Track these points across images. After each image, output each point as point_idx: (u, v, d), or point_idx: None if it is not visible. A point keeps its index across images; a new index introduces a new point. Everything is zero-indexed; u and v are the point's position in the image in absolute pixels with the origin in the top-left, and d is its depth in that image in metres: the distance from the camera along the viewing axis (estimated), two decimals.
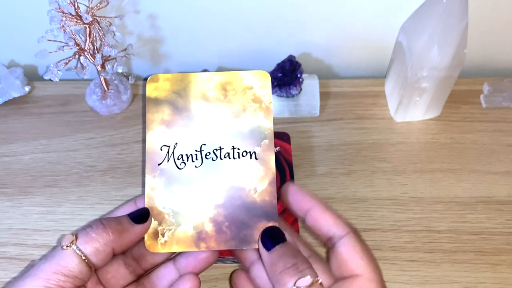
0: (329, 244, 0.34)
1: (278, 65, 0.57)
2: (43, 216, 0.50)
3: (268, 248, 0.33)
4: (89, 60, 0.51)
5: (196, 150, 0.37)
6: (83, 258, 0.31)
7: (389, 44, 0.58)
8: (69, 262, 0.31)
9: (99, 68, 0.53)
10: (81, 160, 0.54)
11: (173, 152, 0.37)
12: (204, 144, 0.37)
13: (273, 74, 0.57)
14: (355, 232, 0.33)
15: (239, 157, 0.36)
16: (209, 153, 0.36)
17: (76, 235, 0.32)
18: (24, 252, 0.47)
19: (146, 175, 0.36)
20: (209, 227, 0.35)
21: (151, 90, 0.38)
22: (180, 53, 0.62)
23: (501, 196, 0.51)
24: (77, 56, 0.51)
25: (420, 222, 0.49)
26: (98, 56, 0.51)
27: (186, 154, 0.36)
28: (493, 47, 0.61)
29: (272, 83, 0.57)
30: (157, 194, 0.36)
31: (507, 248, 0.47)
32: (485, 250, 0.47)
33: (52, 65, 0.50)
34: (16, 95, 0.58)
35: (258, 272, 0.35)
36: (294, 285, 0.30)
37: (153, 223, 0.36)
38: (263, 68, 0.61)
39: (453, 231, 0.49)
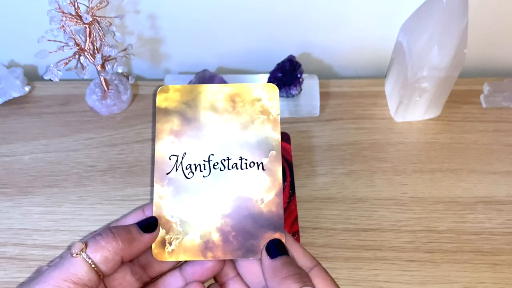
0: None
1: (278, 65, 0.57)
2: (43, 216, 0.50)
3: (272, 255, 0.34)
4: (89, 60, 0.51)
5: (204, 160, 0.37)
6: (93, 266, 0.32)
7: (389, 44, 0.58)
8: (78, 270, 0.31)
9: (99, 68, 0.53)
10: (81, 160, 0.54)
11: (181, 162, 0.37)
12: (212, 155, 0.37)
13: (273, 74, 0.57)
14: (321, 266, 0.34)
15: (246, 168, 0.37)
16: (217, 163, 0.37)
17: (86, 243, 0.32)
18: (24, 252, 0.47)
19: (155, 184, 0.37)
20: (216, 237, 0.35)
21: (161, 100, 0.38)
22: (180, 53, 0.62)
23: (501, 196, 0.51)
24: (77, 56, 0.51)
25: (420, 222, 0.49)
26: (98, 56, 0.51)
27: (195, 164, 0.37)
28: (493, 47, 0.61)
29: (272, 83, 0.57)
30: (165, 203, 0.36)
31: (507, 248, 0.47)
32: (485, 250, 0.47)
33: (52, 65, 0.50)
34: (16, 95, 0.58)
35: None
36: None
37: (161, 232, 0.36)
38: (263, 68, 0.61)
39: (453, 231, 0.49)
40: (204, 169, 0.37)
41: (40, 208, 0.50)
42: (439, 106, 0.56)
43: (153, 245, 0.36)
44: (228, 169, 0.37)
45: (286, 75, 0.56)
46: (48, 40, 0.49)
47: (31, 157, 0.54)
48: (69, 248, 0.32)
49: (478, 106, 0.58)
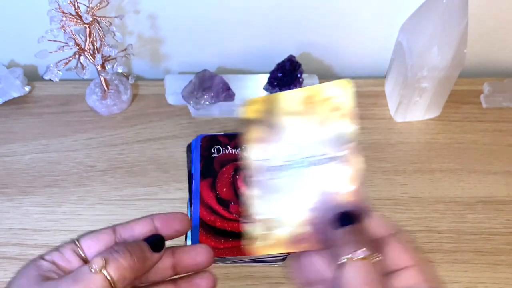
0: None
1: (278, 65, 0.57)
2: (43, 216, 0.50)
3: (342, 224, 0.33)
4: (89, 60, 0.51)
5: (288, 161, 0.39)
6: (111, 284, 0.32)
7: (389, 44, 0.58)
8: (98, 287, 0.31)
9: (99, 68, 0.53)
10: (81, 160, 0.54)
11: (268, 165, 0.40)
12: (296, 154, 0.39)
13: (273, 74, 0.57)
14: (402, 231, 0.34)
15: (327, 163, 0.39)
16: (300, 161, 0.39)
17: (106, 259, 0.32)
18: (24, 252, 0.47)
19: (246, 188, 0.39)
20: (303, 230, 0.38)
21: (249, 112, 0.41)
22: (180, 53, 0.62)
23: (501, 196, 0.51)
24: (77, 56, 0.51)
25: (420, 222, 0.49)
26: (98, 56, 0.51)
27: (280, 165, 0.39)
28: (493, 47, 0.61)
29: (272, 83, 0.57)
30: (255, 203, 0.39)
31: (507, 248, 0.47)
32: (485, 250, 0.47)
33: (52, 65, 0.50)
34: (16, 95, 0.58)
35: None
36: (351, 253, 0.31)
37: (253, 229, 0.38)
38: (263, 68, 0.61)
39: (453, 231, 0.49)
40: (289, 169, 0.39)
41: (40, 208, 0.50)
42: (439, 106, 0.56)
43: (245, 241, 0.38)
44: (311, 166, 0.39)
45: (286, 75, 0.56)
46: (48, 40, 0.49)
47: (31, 157, 0.54)
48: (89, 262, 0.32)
49: (478, 106, 0.58)
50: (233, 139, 0.52)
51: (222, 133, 0.54)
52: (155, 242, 0.36)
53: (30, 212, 0.50)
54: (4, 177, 0.52)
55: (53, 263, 0.35)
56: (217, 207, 0.48)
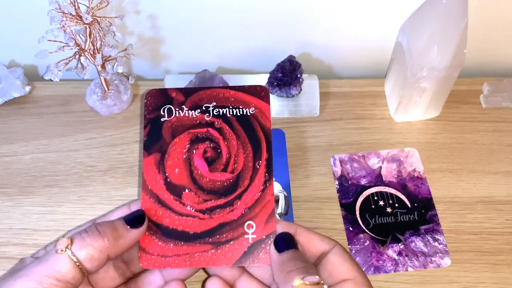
0: (319, 259, 0.35)
1: (278, 65, 0.57)
2: (44, 216, 0.50)
3: (280, 249, 0.34)
4: (89, 60, 0.51)
5: None
6: (77, 263, 0.31)
7: (389, 44, 0.58)
8: (62, 267, 0.31)
9: (100, 68, 0.53)
10: (81, 160, 0.54)
11: None
12: None
13: (273, 74, 0.57)
14: (341, 245, 0.35)
15: None
16: None
17: (71, 239, 0.32)
18: (24, 252, 0.47)
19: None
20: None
21: None
22: (180, 53, 0.62)
23: (501, 196, 0.51)
24: (77, 56, 0.51)
25: None
26: (99, 56, 0.51)
27: None
28: (493, 47, 0.61)
29: (272, 83, 0.57)
30: None
31: (506, 248, 0.47)
32: (485, 250, 0.47)
33: (52, 65, 0.50)
34: (16, 95, 0.58)
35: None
36: (302, 279, 0.31)
37: None
38: (263, 68, 0.61)
39: (452, 231, 0.49)
40: None
41: (41, 208, 0.50)
42: (438, 106, 0.56)
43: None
44: None
45: (286, 75, 0.56)
46: (49, 40, 0.49)
47: (31, 157, 0.54)
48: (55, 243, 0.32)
49: (477, 106, 0.58)
50: (190, 95, 0.38)
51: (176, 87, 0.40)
52: (133, 218, 0.34)
53: (30, 212, 0.50)
54: (5, 177, 0.53)
55: (36, 258, 0.34)
56: (166, 196, 0.36)
